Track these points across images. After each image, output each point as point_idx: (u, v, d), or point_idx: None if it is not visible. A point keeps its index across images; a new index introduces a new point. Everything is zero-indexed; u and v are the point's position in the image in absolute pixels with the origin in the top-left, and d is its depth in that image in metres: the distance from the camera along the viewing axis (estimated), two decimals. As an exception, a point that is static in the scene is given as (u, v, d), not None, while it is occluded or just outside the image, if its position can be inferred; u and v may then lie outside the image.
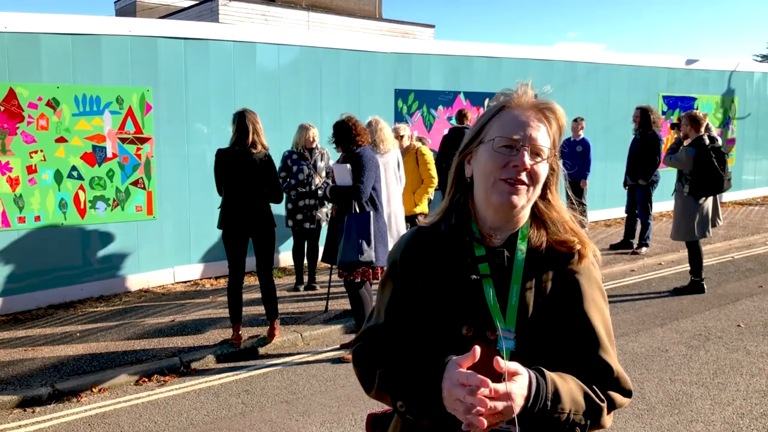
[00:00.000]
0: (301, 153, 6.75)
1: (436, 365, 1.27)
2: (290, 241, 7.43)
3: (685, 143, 6.88)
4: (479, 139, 1.40)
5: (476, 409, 1.16)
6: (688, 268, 7.11)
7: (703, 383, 4.62)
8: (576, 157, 9.33)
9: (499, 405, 1.17)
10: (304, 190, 6.72)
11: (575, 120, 9.47)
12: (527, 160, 1.33)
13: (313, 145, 6.81)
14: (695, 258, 6.96)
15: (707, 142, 6.69)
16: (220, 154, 5.25)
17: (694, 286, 7.00)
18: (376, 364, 1.40)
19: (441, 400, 1.24)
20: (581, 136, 9.45)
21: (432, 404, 1.26)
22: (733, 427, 3.96)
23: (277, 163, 6.44)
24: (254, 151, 5.19)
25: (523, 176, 1.34)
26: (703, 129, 6.76)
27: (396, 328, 1.44)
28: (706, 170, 6.57)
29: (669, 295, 6.98)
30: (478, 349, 1.20)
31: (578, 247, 1.39)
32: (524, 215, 1.41)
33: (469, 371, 1.19)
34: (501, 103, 1.42)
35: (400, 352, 1.40)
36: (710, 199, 6.80)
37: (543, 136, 1.36)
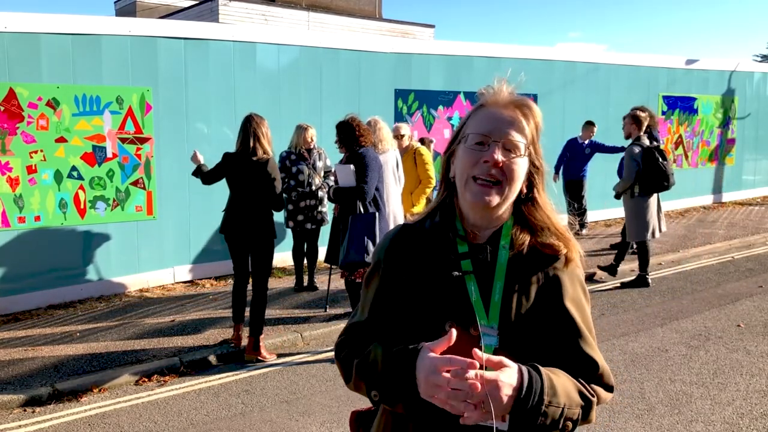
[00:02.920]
0: (300, 153, 6.73)
1: (408, 352, 1.26)
2: (290, 242, 7.42)
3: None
4: (459, 139, 1.41)
5: (464, 393, 1.15)
6: (689, 268, 7.13)
7: (703, 383, 4.62)
8: (584, 158, 9.55)
9: (483, 390, 1.16)
10: (304, 190, 6.71)
11: (589, 123, 9.63)
12: (498, 156, 1.32)
13: (311, 146, 6.79)
14: (643, 255, 7.27)
15: (647, 142, 7.07)
16: (226, 157, 5.25)
17: (641, 280, 7.27)
18: (354, 355, 1.41)
19: (414, 386, 1.23)
20: (591, 139, 9.64)
21: (405, 391, 1.25)
22: (733, 427, 3.96)
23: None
24: (254, 157, 5.13)
25: (496, 173, 1.33)
26: (643, 129, 7.17)
27: (379, 324, 1.45)
28: (651, 167, 6.92)
29: (669, 294, 6.99)
30: (454, 332, 1.20)
31: (563, 251, 1.38)
32: (505, 212, 1.41)
33: (450, 355, 1.19)
34: (479, 101, 1.42)
35: (376, 343, 1.39)
36: (655, 199, 7.14)
37: (517, 131, 1.35)
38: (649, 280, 7.29)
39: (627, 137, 7.26)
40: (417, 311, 1.38)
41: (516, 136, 1.34)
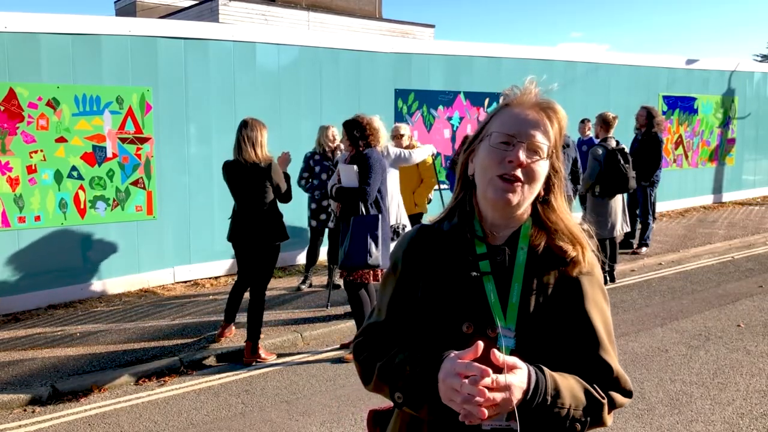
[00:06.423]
0: (324, 153, 6.76)
1: (435, 357, 1.28)
2: (290, 242, 7.40)
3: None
4: (481, 137, 1.42)
5: (476, 399, 1.16)
6: (689, 268, 7.14)
7: (703, 383, 4.62)
8: (581, 156, 9.44)
9: (498, 396, 1.17)
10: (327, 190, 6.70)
11: (582, 121, 9.52)
12: (522, 156, 1.33)
13: (334, 145, 6.80)
14: (603, 250, 7.28)
15: (613, 144, 7.17)
16: (223, 166, 5.24)
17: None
18: (375, 358, 1.41)
19: (437, 390, 1.24)
20: (588, 137, 9.52)
21: (430, 396, 1.26)
22: (733, 427, 3.96)
23: (299, 166, 6.53)
24: (249, 163, 5.06)
25: (519, 173, 1.33)
26: (612, 131, 7.29)
27: (397, 325, 1.45)
28: (612, 170, 7.02)
29: (669, 294, 6.98)
30: (481, 344, 1.20)
31: (574, 253, 1.39)
32: (524, 213, 1.41)
33: (469, 361, 1.20)
34: (504, 101, 1.43)
35: (400, 346, 1.40)
36: (619, 199, 7.22)
37: (542, 134, 1.36)
38: (607, 278, 7.33)
39: (595, 137, 7.39)
40: (435, 312, 1.39)
41: (540, 139, 1.36)
